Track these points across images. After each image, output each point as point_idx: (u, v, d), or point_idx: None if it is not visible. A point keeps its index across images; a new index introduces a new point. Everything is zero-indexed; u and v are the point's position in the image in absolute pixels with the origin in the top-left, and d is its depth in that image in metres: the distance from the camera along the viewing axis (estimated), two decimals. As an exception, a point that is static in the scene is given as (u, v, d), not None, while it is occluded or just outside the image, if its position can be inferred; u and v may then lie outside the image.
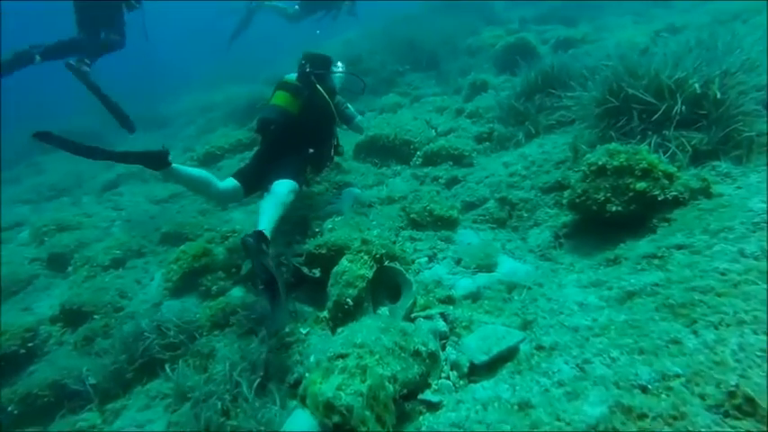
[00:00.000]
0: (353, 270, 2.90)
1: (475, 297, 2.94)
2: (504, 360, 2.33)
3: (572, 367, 1.93)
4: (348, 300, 2.81)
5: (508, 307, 2.75)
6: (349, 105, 4.62)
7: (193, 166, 6.98)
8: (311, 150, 3.96)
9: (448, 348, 2.49)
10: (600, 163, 3.01)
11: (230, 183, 3.76)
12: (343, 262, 2.98)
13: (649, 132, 3.21)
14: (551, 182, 3.67)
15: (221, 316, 3.17)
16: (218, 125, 8.03)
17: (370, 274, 2.91)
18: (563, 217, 3.51)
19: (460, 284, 3.05)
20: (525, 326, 2.57)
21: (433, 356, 2.29)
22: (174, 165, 3.30)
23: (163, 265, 4.09)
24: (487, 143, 4.80)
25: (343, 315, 2.86)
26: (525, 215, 3.65)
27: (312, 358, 2.47)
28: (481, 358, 2.29)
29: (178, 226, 4.54)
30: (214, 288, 3.67)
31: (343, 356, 2.06)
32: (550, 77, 4.49)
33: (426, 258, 3.35)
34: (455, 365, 2.34)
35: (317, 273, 3.45)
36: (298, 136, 3.89)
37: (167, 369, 2.73)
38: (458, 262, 3.28)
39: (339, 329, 2.55)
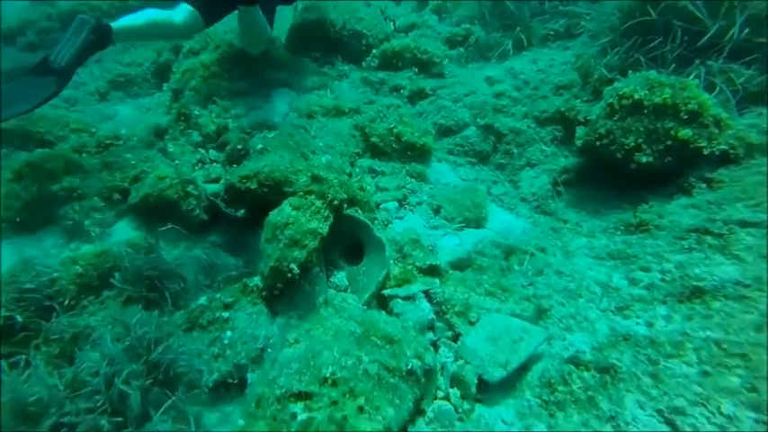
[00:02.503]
0: (301, 222, 1.98)
1: (465, 265, 2.22)
2: (523, 371, 1.70)
3: (656, 420, 1.31)
4: (293, 265, 1.93)
5: (511, 284, 2.08)
6: None
7: (57, 22, 5.07)
8: None
9: (441, 349, 1.79)
10: (636, 97, 2.28)
11: (185, 12, 2.73)
12: (286, 208, 2.04)
13: (696, 61, 2.50)
14: (551, 111, 2.91)
15: (95, 275, 2.12)
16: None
17: (325, 228, 2.02)
18: (561, 159, 2.83)
19: (445, 245, 2.29)
20: (539, 315, 1.93)
21: (429, 373, 1.57)
22: (114, 27, 2.42)
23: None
24: (462, 49, 3.83)
25: (285, 285, 2.00)
26: (515, 151, 2.90)
27: (250, 380, 1.62)
28: (497, 374, 1.62)
29: (25, 119, 3.10)
30: (87, 223, 2.53)
31: (304, 398, 1.25)
32: (552, -29, 3.53)
33: (395, 203, 2.51)
34: (457, 381, 1.65)
35: (240, 213, 2.49)
36: None
37: (-3, 372, 1.71)
38: (436, 210, 2.50)
39: (296, 334, 1.63)
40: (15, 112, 2.11)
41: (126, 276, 2.17)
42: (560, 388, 1.55)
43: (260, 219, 2.32)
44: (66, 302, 2.04)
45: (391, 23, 4.28)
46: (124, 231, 2.65)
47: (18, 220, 2.51)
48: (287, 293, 2.05)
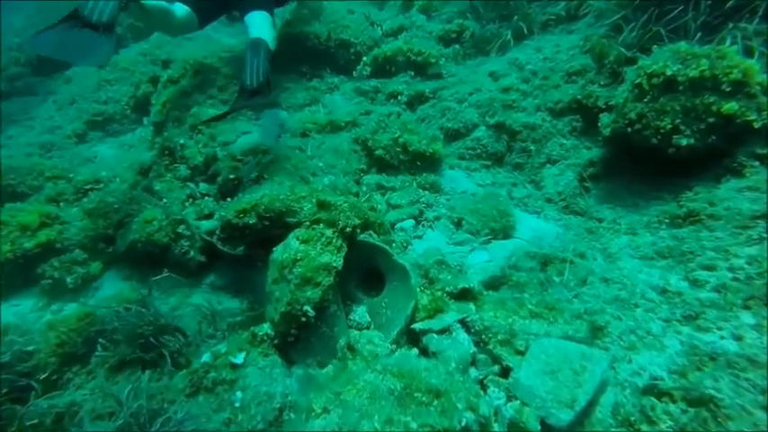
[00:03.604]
0: (311, 257, 1.72)
1: (500, 283, 1.95)
2: (590, 407, 1.42)
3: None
4: (306, 308, 1.67)
5: (556, 300, 1.81)
6: None
7: (27, 67, 4.81)
8: None
9: (490, 389, 1.51)
10: (669, 73, 2.03)
11: (182, 9, 2.84)
12: (293, 243, 1.77)
13: (729, 24, 2.26)
14: (566, 101, 2.66)
15: (79, 341, 1.85)
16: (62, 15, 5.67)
17: (339, 260, 1.76)
18: (584, 151, 2.57)
19: (474, 262, 2.03)
20: (594, 334, 1.66)
21: (485, 425, 1.30)
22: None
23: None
24: (457, 46, 3.59)
25: (299, 330, 1.73)
26: (532, 148, 2.65)
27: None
28: (564, 417, 1.34)
29: (-2, 173, 2.86)
30: (69, 280, 2.27)
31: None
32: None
33: (412, 221, 2.25)
34: (517, 429, 1.37)
35: (239, 250, 2.21)
36: None
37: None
38: (458, 224, 2.23)
39: (324, 399, 1.33)
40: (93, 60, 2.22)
41: (116, 337, 1.91)
42: (644, 428, 1.28)
43: (261, 253, 2.08)
44: (45, 378, 1.77)
45: (378, 28, 4.05)
46: (112, 283, 2.39)
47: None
48: (302, 337, 1.78)
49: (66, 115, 3.84)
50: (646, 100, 2.10)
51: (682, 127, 2.03)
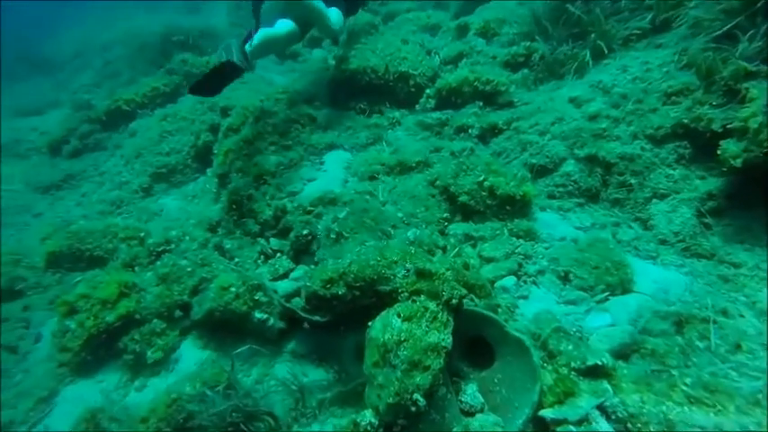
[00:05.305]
0: (417, 336, 1.51)
1: (630, 350, 1.68)
2: None
3: None
4: (416, 396, 1.46)
5: (711, 375, 1.51)
6: None
7: (96, 124, 5.04)
8: None
9: (657, 504, 1.24)
10: (817, 92, 1.71)
11: (286, 25, 3.08)
12: (394, 321, 1.58)
13: None
14: (668, 125, 2.36)
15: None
16: (124, 68, 5.90)
17: (448, 338, 1.55)
18: (697, 182, 2.26)
19: (594, 326, 1.76)
20: (776, 426, 1.35)
21: None
22: (249, 51, 2.78)
23: (55, 309, 2.47)
24: (527, 71, 3.36)
25: (409, 421, 1.52)
26: (632, 181, 2.36)
27: None
28: None
29: (74, 237, 2.87)
30: (149, 354, 2.17)
31: None
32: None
33: (512, 277, 2.01)
34: None
35: (321, 319, 2.04)
36: None
37: None
38: (565, 278, 1.97)
39: None
40: None
41: (205, 424, 1.77)
42: None
43: (346, 320, 1.91)
44: (141, 476, 1.64)
45: (436, 56, 3.89)
46: (191, 353, 2.28)
47: (80, 360, 2.20)
48: (409, 425, 1.57)
49: (133, 170, 3.89)
50: (788, 124, 1.79)
51: (837, 154, 1.71)
